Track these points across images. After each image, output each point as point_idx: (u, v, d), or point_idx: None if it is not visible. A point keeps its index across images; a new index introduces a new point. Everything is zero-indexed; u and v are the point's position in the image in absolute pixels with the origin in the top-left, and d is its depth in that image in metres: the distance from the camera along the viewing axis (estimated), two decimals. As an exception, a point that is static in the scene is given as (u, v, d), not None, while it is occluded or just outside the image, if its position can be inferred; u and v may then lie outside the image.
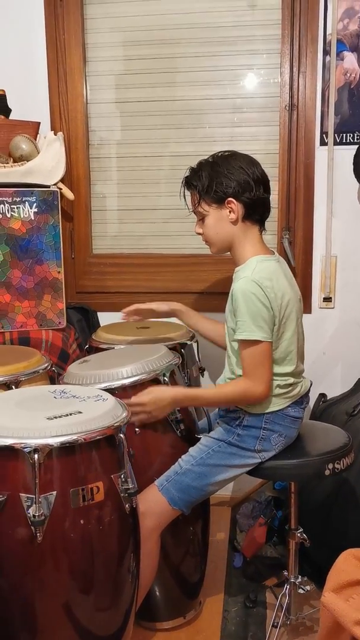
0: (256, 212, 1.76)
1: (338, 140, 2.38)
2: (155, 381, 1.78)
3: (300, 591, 1.88)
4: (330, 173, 2.40)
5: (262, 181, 1.75)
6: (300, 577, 1.89)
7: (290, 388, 1.76)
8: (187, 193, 1.83)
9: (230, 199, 1.72)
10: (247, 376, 1.68)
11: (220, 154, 1.77)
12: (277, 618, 1.85)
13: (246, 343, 1.65)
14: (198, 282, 2.56)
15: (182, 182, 1.81)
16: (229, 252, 1.82)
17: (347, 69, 2.35)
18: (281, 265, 1.78)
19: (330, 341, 2.53)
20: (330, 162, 2.39)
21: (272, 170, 2.45)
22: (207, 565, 2.01)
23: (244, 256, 1.75)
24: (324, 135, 2.40)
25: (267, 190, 1.77)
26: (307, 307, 2.50)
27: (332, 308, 2.51)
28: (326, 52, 2.35)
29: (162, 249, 2.63)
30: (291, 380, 1.75)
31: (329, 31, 2.33)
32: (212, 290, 2.53)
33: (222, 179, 1.72)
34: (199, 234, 1.82)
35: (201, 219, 1.79)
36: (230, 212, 1.74)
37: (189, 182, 1.79)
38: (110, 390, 1.66)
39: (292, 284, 1.78)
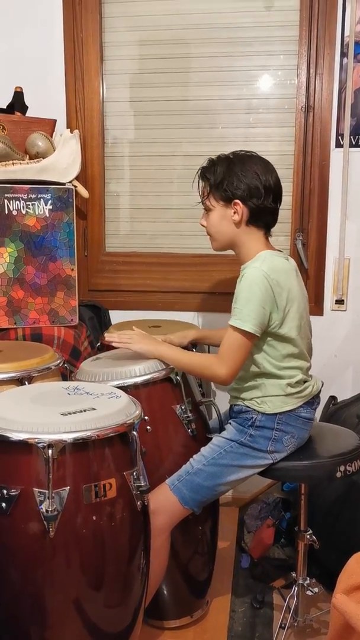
0: (261, 219, 1.76)
1: (354, 143, 2.38)
2: (167, 380, 1.78)
3: (309, 593, 1.88)
4: (345, 175, 2.40)
5: (274, 190, 1.74)
6: (308, 578, 1.89)
7: (301, 387, 1.76)
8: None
9: (237, 200, 1.73)
10: (219, 354, 1.71)
11: (240, 153, 1.77)
12: (285, 619, 1.85)
13: (234, 328, 1.67)
14: (210, 282, 2.57)
15: (198, 171, 1.81)
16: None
17: (364, 72, 2.35)
18: (291, 263, 1.79)
19: (342, 344, 2.52)
20: (345, 164, 2.39)
21: (287, 172, 2.45)
22: (215, 565, 2.01)
23: (249, 255, 1.76)
24: (339, 137, 2.39)
25: (276, 200, 1.76)
26: (319, 310, 2.50)
27: (345, 311, 2.50)
28: (343, 54, 2.34)
29: (174, 249, 2.63)
30: (300, 376, 1.75)
31: (346, 33, 2.33)
32: (224, 291, 2.53)
33: (234, 179, 1.72)
34: (203, 226, 1.83)
35: (207, 212, 1.80)
36: (234, 213, 1.74)
37: (203, 174, 1.79)
38: (122, 388, 1.66)
39: (300, 283, 1.78)
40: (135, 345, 1.79)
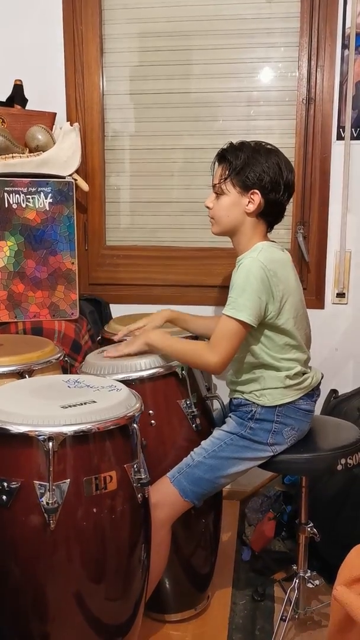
0: (271, 214, 1.76)
1: (355, 135, 2.37)
2: (173, 374, 1.78)
3: (309, 585, 1.88)
4: (346, 168, 2.39)
5: (289, 189, 1.75)
6: (309, 571, 1.89)
7: (300, 379, 1.75)
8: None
9: (256, 190, 1.71)
10: (211, 342, 1.69)
11: (264, 144, 1.76)
12: (285, 612, 1.85)
13: (228, 317, 1.65)
14: (211, 276, 2.56)
15: (218, 153, 1.78)
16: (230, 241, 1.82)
17: (366, 64, 2.33)
18: (287, 255, 1.78)
19: (343, 337, 2.52)
20: (346, 156, 2.38)
21: (288, 165, 2.44)
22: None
23: (247, 246, 1.75)
24: (340, 130, 2.38)
25: (289, 198, 1.77)
26: (320, 303, 2.49)
27: (346, 304, 2.49)
28: (345, 46, 2.33)
29: (175, 242, 2.62)
30: (298, 368, 1.74)
31: (348, 25, 2.31)
32: (225, 284, 2.51)
33: (258, 169, 1.70)
34: (208, 207, 1.80)
35: (218, 195, 1.77)
36: (249, 202, 1.72)
37: (223, 156, 1.75)
38: (127, 382, 1.66)
39: (295, 275, 1.78)
40: (129, 348, 1.79)
